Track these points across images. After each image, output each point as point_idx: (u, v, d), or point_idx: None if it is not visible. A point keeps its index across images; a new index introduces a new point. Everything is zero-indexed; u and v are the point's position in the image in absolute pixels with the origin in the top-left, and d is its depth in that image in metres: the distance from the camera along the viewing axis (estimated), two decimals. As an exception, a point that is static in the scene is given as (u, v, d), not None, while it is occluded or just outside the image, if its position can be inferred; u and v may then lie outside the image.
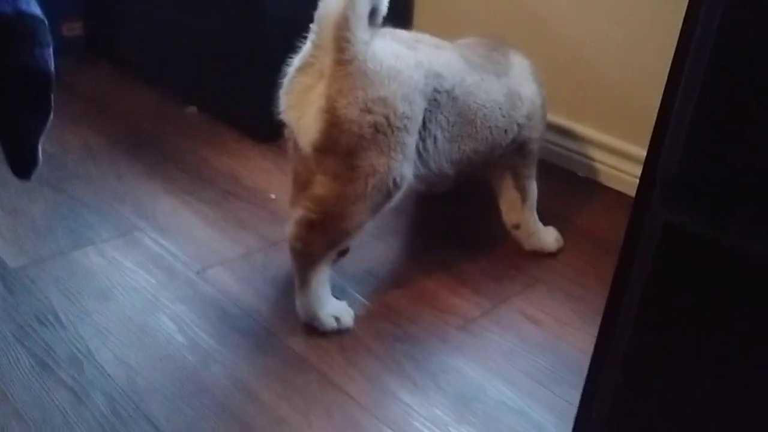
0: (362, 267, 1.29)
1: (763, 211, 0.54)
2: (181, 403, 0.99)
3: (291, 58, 1.11)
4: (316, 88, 1.06)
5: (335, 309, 1.14)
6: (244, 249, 1.33)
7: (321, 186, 1.08)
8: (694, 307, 0.57)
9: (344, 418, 0.99)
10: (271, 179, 1.57)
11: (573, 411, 0.75)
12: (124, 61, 2.14)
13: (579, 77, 1.61)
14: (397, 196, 1.12)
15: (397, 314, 1.18)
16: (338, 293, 1.20)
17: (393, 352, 1.10)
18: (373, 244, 1.36)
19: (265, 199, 1.49)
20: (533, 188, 1.36)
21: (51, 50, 0.80)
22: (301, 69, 1.10)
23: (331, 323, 1.13)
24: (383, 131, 1.06)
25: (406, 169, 1.11)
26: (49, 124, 0.83)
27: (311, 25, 1.07)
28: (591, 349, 0.71)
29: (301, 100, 1.09)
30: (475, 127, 1.21)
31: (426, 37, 1.22)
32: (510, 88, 1.27)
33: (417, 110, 1.10)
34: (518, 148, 1.32)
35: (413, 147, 1.12)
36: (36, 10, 0.79)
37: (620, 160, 1.60)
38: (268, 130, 1.74)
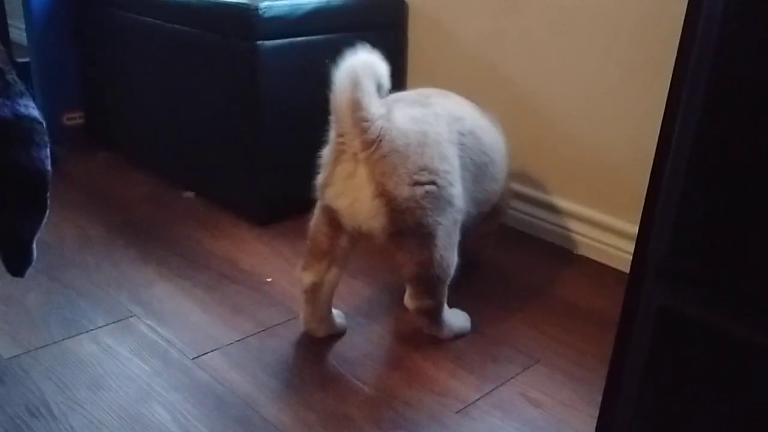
0: (360, 350, 1.28)
1: (751, 293, 0.54)
2: (174, 498, 0.96)
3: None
4: (358, 173, 1.13)
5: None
6: (240, 334, 1.31)
7: (409, 262, 1.19)
8: (691, 389, 0.57)
9: None
10: (267, 262, 1.57)
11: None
12: (123, 148, 2.18)
13: (564, 153, 1.65)
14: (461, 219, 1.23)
15: (396, 399, 1.16)
16: (335, 380, 1.18)
17: (392, 439, 1.08)
18: (370, 327, 1.35)
19: (261, 282, 1.49)
20: None
21: (48, 151, 0.81)
22: (336, 158, 1.15)
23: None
24: (436, 195, 1.15)
25: (458, 201, 1.21)
26: (44, 223, 0.84)
27: (331, 117, 1.13)
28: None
29: (348, 186, 1.14)
30: (494, 166, 1.31)
31: (430, 90, 1.31)
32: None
33: (453, 159, 1.19)
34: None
35: (461, 188, 1.21)
36: (34, 112, 0.80)
37: (611, 236, 1.61)
38: (265, 214, 1.77)
